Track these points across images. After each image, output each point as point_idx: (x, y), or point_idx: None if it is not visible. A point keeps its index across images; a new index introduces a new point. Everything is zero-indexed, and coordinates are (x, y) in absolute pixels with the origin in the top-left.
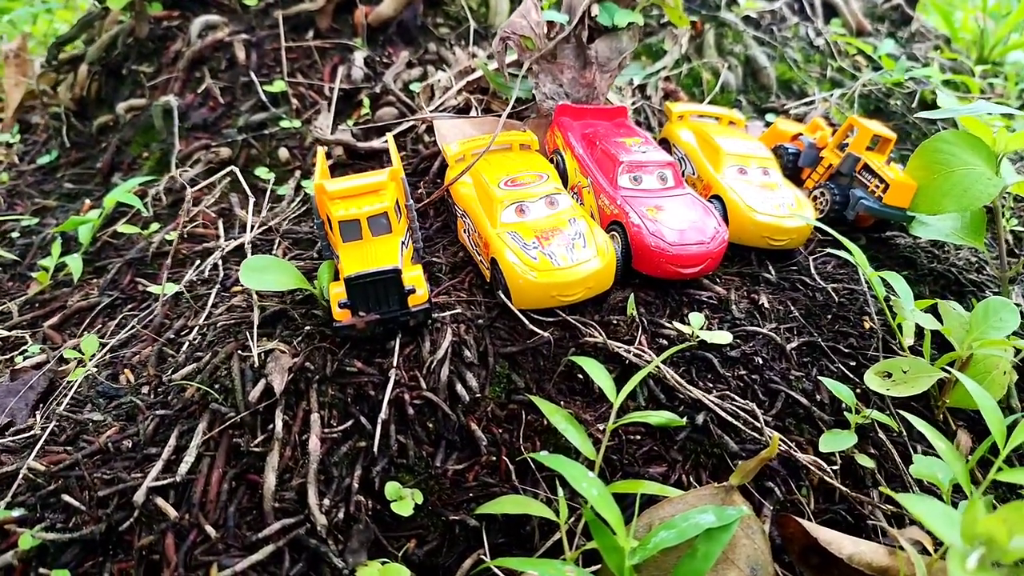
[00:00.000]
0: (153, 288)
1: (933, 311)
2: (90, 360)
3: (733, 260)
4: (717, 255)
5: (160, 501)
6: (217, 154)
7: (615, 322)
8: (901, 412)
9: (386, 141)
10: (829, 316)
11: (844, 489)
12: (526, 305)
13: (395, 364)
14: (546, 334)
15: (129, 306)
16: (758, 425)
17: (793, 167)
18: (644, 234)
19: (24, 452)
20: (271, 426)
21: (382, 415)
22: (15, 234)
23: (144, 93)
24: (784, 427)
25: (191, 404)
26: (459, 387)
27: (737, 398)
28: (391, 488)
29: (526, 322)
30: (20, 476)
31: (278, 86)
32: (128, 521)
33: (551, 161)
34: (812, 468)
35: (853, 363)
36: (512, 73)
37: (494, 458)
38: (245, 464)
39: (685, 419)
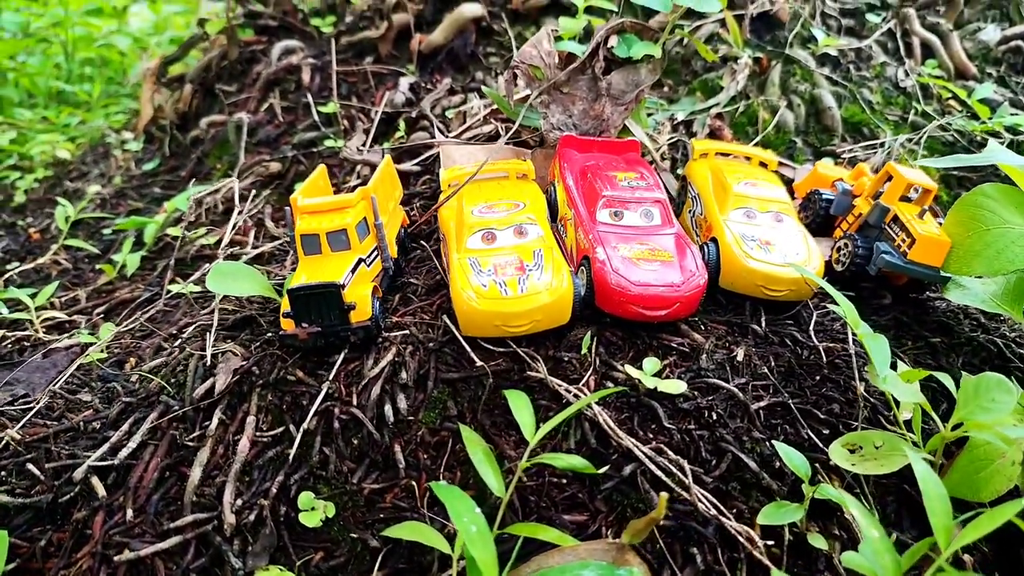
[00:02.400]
0: (172, 286)
1: None
2: (103, 345)
3: (726, 308)
4: (689, 299)
5: (95, 480)
6: (267, 168)
7: (567, 359)
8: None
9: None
10: (817, 377)
11: (770, 565)
12: (473, 332)
13: (331, 377)
14: (480, 363)
15: (163, 300)
16: (687, 483)
17: (825, 215)
18: (607, 271)
19: (18, 421)
20: (208, 423)
21: (305, 424)
22: (107, 230)
23: (224, 110)
24: (726, 491)
25: (151, 395)
26: (388, 407)
27: (671, 453)
28: (304, 498)
29: (468, 349)
30: (2, 442)
31: (331, 107)
32: (69, 495)
33: (546, 192)
34: (742, 540)
35: (827, 431)
36: (521, 102)
37: (413, 482)
38: (181, 456)
39: (606, 468)
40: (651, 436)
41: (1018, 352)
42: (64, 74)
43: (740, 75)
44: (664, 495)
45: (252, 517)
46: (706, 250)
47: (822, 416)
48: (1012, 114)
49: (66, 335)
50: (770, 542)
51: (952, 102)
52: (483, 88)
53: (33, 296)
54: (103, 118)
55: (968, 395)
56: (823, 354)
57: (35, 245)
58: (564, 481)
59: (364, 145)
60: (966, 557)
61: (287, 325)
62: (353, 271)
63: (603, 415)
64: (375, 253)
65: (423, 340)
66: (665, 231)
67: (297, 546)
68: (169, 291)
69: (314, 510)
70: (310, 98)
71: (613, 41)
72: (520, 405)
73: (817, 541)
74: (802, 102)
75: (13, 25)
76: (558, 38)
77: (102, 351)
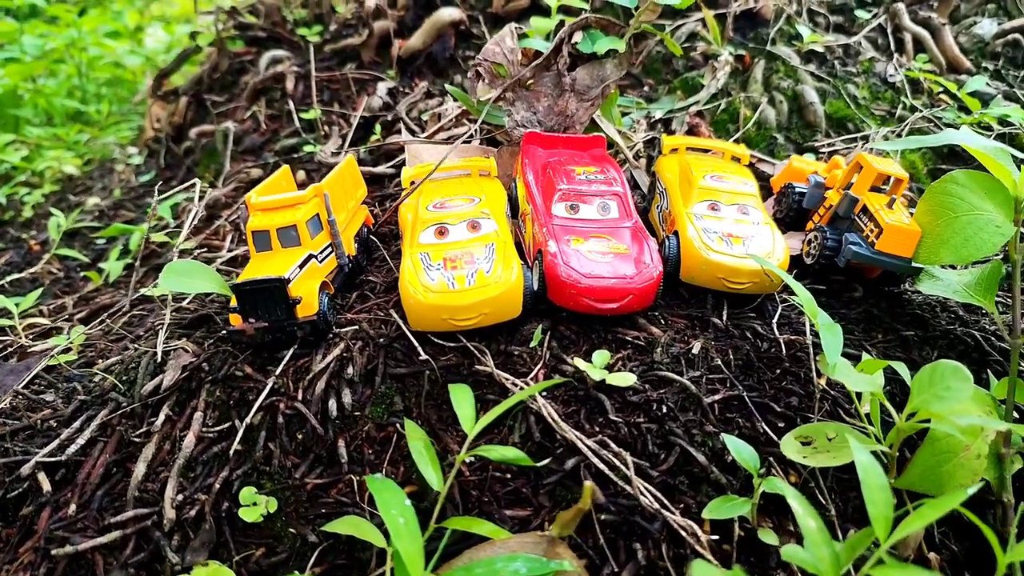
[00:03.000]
0: (144, 290)
1: None
2: (71, 347)
3: (688, 302)
4: (642, 292)
5: (42, 476)
6: (248, 175)
7: (517, 353)
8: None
9: (354, 156)
10: (777, 371)
11: (714, 562)
12: (422, 327)
13: (277, 372)
14: (426, 357)
15: (140, 306)
16: (629, 476)
17: (798, 208)
18: (558, 264)
19: None
20: (155, 419)
21: (248, 419)
22: (101, 240)
23: (212, 120)
24: (673, 486)
25: (105, 393)
26: (332, 402)
27: (614, 446)
28: (245, 493)
29: (416, 344)
30: None
31: (312, 114)
32: (18, 491)
33: (509, 189)
34: (686, 534)
35: (784, 425)
36: (484, 100)
37: (356, 478)
38: (128, 452)
39: (548, 461)
40: (597, 429)
41: (998, 346)
42: (79, 94)
43: (720, 72)
44: (589, 484)
45: (193, 513)
46: (667, 243)
47: (779, 409)
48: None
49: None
50: (715, 537)
51: (943, 96)
52: (447, 87)
53: (18, 304)
54: (113, 135)
55: (923, 383)
56: (784, 347)
57: (35, 256)
58: (508, 476)
59: (341, 149)
60: (932, 556)
61: (235, 320)
62: (302, 266)
63: (548, 408)
64: (329, 250)
65: (373, 336)
66: (622, 224)
67: (239, 542)
68: (139, 294)
69: (255, 505)
70: (292, 105)
71: (578, 37)
72: (461, 398)
73: (768, 537)
74: (785, 98)
75: (35, 49)
76: (522, 35)
77: (72, 353)
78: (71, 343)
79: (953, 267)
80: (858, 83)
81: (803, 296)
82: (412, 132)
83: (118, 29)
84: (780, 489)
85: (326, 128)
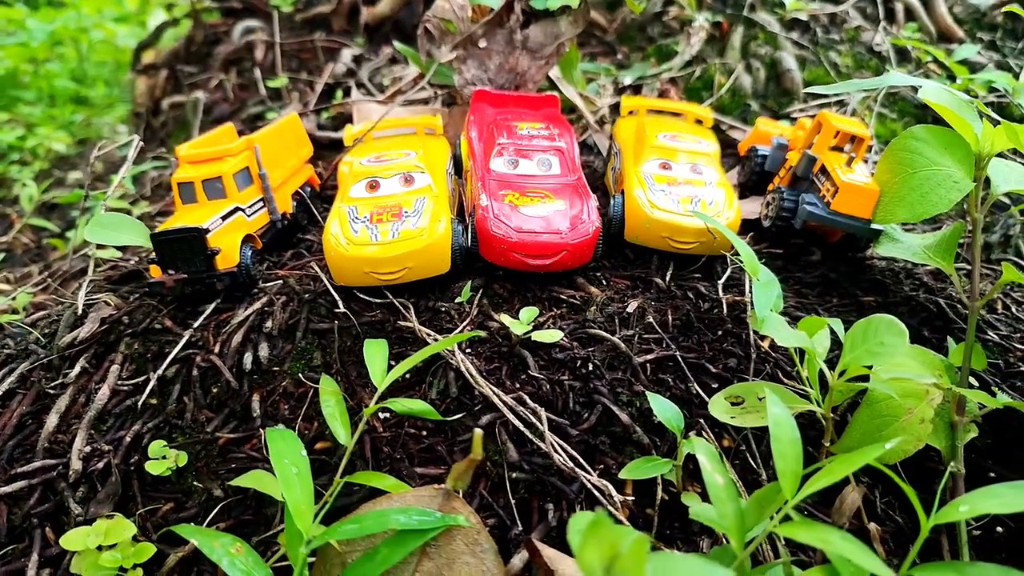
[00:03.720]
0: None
1: None
2: (18, 307)
3: (634, 263)
4: (577, 248)
5: None
6: None
7: (444, 310)
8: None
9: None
10: (719, 332)
11: (623, 520)
12: (345, 281)
13: (196, 326)
14: (345, 311)
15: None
16: (543, 432)
17: (761, 171)
18: (488, 219)
19: None
20: (70, 371)
21: (160, 372)
22: (75, 212)
23: (185, 91)
24: (594, 445)
25: (29, 345)
26: (248, 356)
27: (530, 402)
28: (155, 447)
29: (337, 299)
30: None
31: (280, 82)
32: None
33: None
34: (601, 495)
35: (718, 385)
36: (432, 57)
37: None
38: (45, 404)
39: (460, 415)
40: (518, 386)
41: (963, 313)
42: (80, 76)
43: (695, 39)
44: (478, 433)
45: (101, 465)
46: (612, 203)
47: (714, 371)
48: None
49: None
50: (631, 498)
51: (932, 65)
52: (395, 44)
53: None
54: (110, 115)
55: (856, 339)
56: (726, 308)
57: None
58: (424, 433)
59: (304, 113)
60: (872, 526)
61: (155, 272)
62: (225, 218)
63: (466, 363)
64: (259, 204)
65: (299, 291)
66: (562, 180)
67: (148, 496)
68: (80, 254)
69: (164, 459)
70: (258, 74)
71: None
72: (374, 353)
73: (691, 500)
74: (762, 65)
75: (42, 33)
76: None
77: (21, 314)
78: (15, 304)
79: (914, 228)
80: (841, 51)
81: (744, 252)
82: (371, 95)
83: (124, 15)
84: (691, 445)
85: (293, 95)
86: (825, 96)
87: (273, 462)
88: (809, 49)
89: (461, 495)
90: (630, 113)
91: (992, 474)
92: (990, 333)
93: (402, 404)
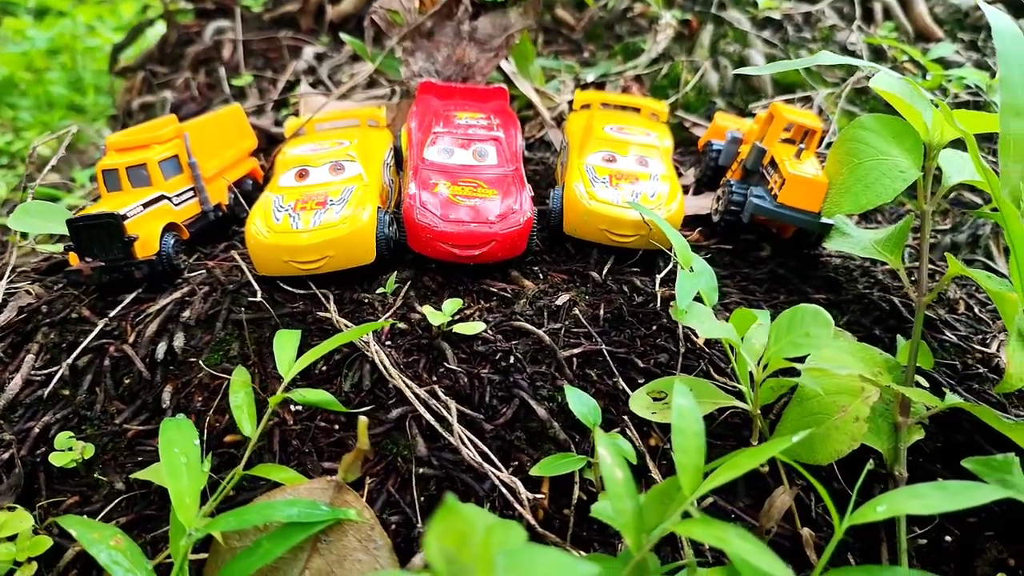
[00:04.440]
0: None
1: None
2: None
3: (573, 257)
4: (507, 239)
5: None
6: None
7: (367, 301)
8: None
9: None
10: (653, 327)
11: (530, 520)
12: (267, 271)
13: (112, 315)
14: (262, 299)
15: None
16: (452, 427)
17: (716, 166)
18: (414, 207)
19: None
20: None
21: (69, 361)
22: None
23: (155, 91)
24: (509, 441)
25: None
26: (162, 346)
27: (442, 395)
28: (61, 438)
29: (256, 288)
30: None
31: (244, 80)
32: None
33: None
34: (507, 492)
35: (643, 380)
36: (379, 50)
37: None
38: None
39: (368, 407)
40: (435, 379)
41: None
42: (76, 84)
43: (661, 36)
44: (363, 421)
45: (6, 456)
46: (552, 195)
47: (642, 366)
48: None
49: None
50: (540, 496)
51: (908, 65)
52: (344, 36)
53: None
54: (102, 121)
55: (781, 330)
56: (661, 302)
57: None
58: (336, 427)
59: (266, 109)
60: (805, 531)
61: (73, 260)
62: (147, 206)
63: (381, 355)
64: (189, 194)
65: (223, 282)
66: (498, 170)
67: (54, 489)
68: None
69: (70, 451)
70: (223, 72)
71: None
72: (283, 343)
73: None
74: (730, 63)
75: (44, 42)
76: None
77: None
78: None
79: (881, 224)
80: (813, 49)
81: (677, 243)
82: (328, 90)
83: (119, 24)
84: (597, 440)
85: (255, 93)
86: (792, 92)
87: (161, 451)
88: (779, 47)
89: (366, 490)
90: (584, 107)
91: (940, 479)
92: (947, 333)
93: (305, 395)
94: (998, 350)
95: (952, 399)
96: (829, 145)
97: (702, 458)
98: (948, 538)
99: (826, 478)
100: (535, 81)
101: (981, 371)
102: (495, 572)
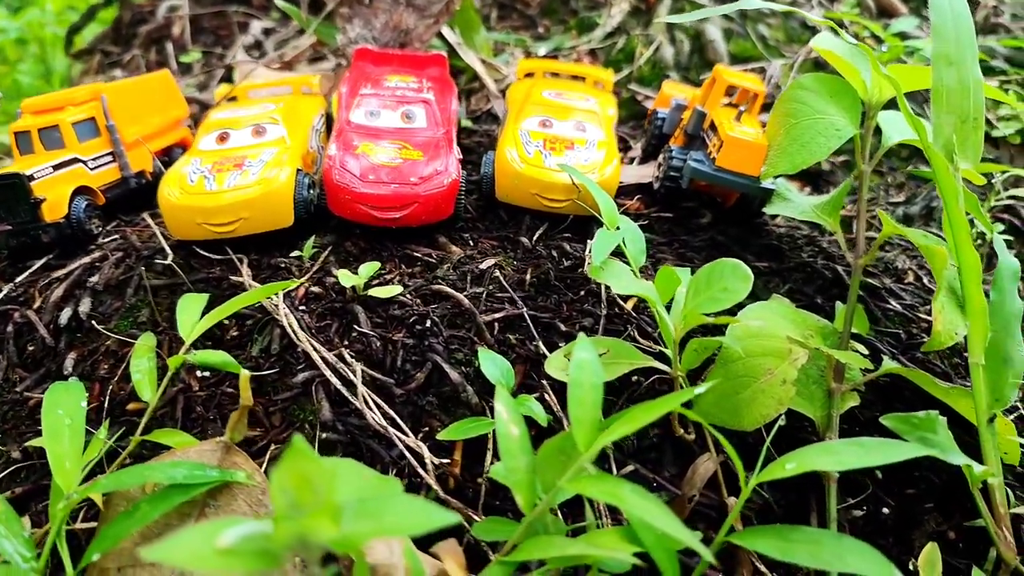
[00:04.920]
0: None
1: None
2: None
3: (507, 224)
4: (430, 200)
5: None
6: None
7: (284, 265)
8: None
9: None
10: (581, 292)
11: (434, 486)
12: (182, 234)
13: (18, 280)
14: (171, 263)
15: None
16: (357, 390)
17: (660, 135)
18: (333, 168)
19: None
20: None
21: None
22: None
23: (105, 71)
24: (420, 406)
25: None
26: (66, 312)
27: (349, 358)
28: None
29: (167, 250)
30: None
31: (191, 56)
32: None
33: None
34: (412, 457)
35: (564, 344)
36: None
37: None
38: None
39: (273, 370)
40: (347, 344)
41: (866, 282)
42: (45, 73)
43: (616, 9)
44: (245, 374)
45: None
46: (484, 160)
47: (566, 330)
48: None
49: None
50: (448, 461)
51: (869, 40)
52: (277, 2)
53: None
54: None
55: (699, 285)
56: (588, 267)
57: None
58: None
59: (210, 85)
60: (731, 500)
61: None
62: (57, 168)
63: (291, 318)
64: (108, 158)
65: (139, 247)
66: (426, 133)
67: None
68: None
69: None
70: (171, 49)
71: None
72: (187, 306)
73: None
74: (686, 37)
75: (15, 31)
76: None
77: None
78: None
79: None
80: (771, 24)
81: (604, 204)
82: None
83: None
84: (496, 398)
85: (202, 68)
86: (746, 63)
87: (44, 414)
88: (737, 22)
89: (267, 457)
90: (529, 76)
91: None
92: (893, 303)
93: (202, 356)
94: None
95: (889, 365)
96: None
97: (598, 412)
98: (885, 510)
99: (753, 446)
100: (481, 52)
101: (925, 340)
102: (339, 518)
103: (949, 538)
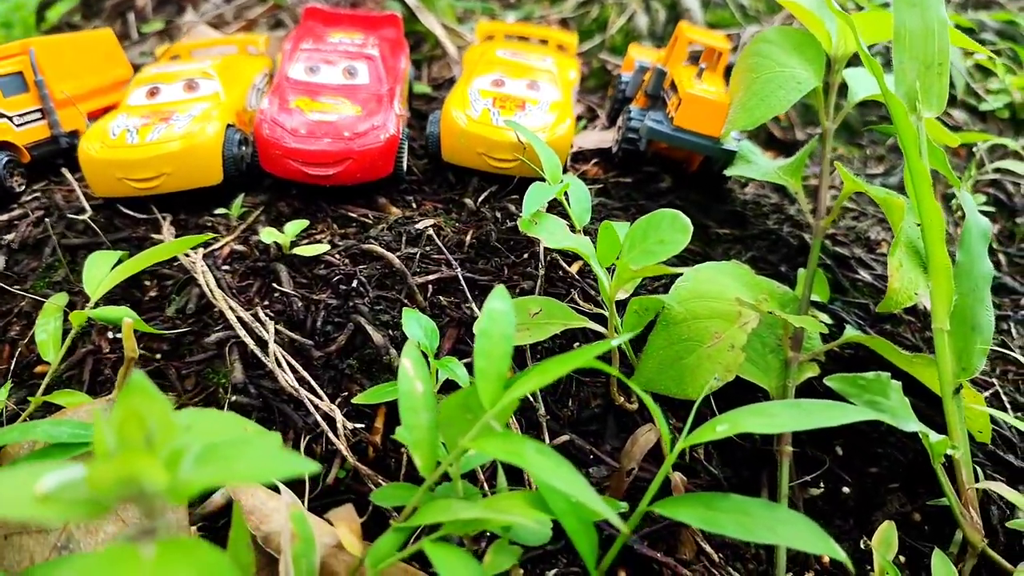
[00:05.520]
0: None
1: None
2: None
3: (454, 187)
4: (365, 156)
5: None
6: None
7: (210, 224)
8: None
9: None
10: (525, 255)
11: (346, 454)
12: (102, 191)
13: None
14: (88, 219)
15: None
16: (270, 352)
17: (623, 98)
18: (264, 122)
19: None
20: None
21: None
22: None
23: None
24: (340, 369)
25: None
26: None
27: (264, 318)
28: None
29: (86, 206)
30: None
31: (153, 26)
32: None
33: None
34: (323, 422)
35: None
36: None
37: None
38: None
39: (186, 331)
40: (267, 304)
41: (832, 250)
42: None
43: None
44: (127, 322)
45: None
46: (430, 119)
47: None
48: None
49: None
50: (360, 425)
51: (852, 9)
52: None
53: None
54: None
55: (635, 238)
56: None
57: None
58: (158, 357)
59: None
60: (676, 476)
61: None
62: None
63: (208, 276)
64: (36, 115)
65: (63, 207)
66: (368, 88)
67: None
68: None
69: None
70: (132, 19)
71: None
72: (95, 262)
73: None
74: (662, 6)
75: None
76: None
77: None
78: None
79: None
80: None
81: (546, 159)
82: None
83: None
84: (407, 351)
85: (159, 37)
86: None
87: None
88: None
89: None
90: (488, 38)
91: None
92: (863, 272)
93: (103, 312)
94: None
95: (851, 333)
96: None
97: (506, 365)
98: (845, 489)
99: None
100: (443, 16)
101: (896, 312)
102: (176, 462)
103: (914, 520)
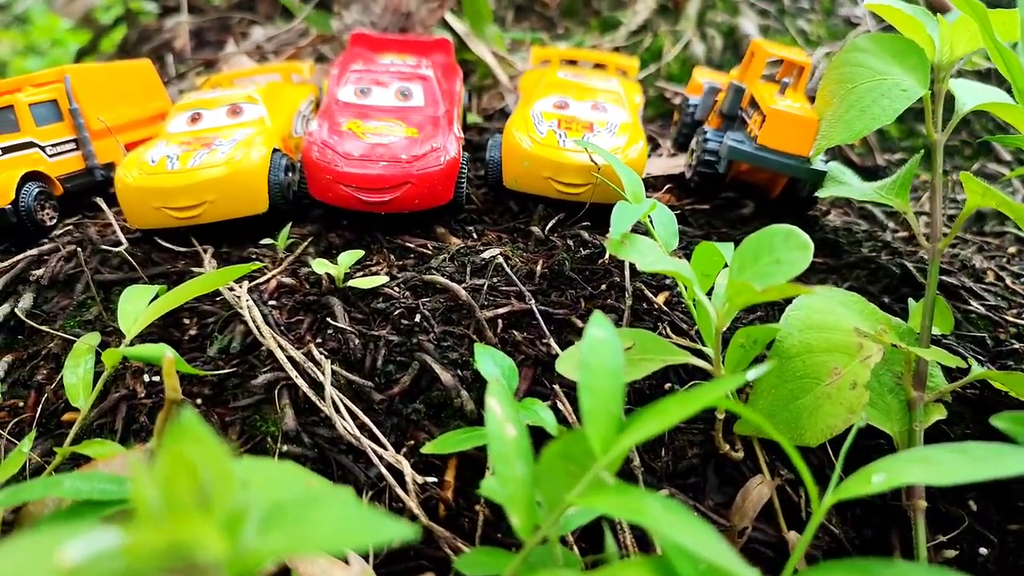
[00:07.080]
0: None
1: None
2: None
3: (517, 215)
4: (423, 180)
5: None
6: None
7: (256, 257)
8: None
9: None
10: (603, 286)
11: (417, 512)
12: (140, 222)
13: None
14: (122, 249)
15: None
16: (326, 392)
17: (693, 123)
18: (313, 145)
19: None
20: None
21: None
22: None
23: None
24: (406, 415)
25: None
26: (2, 310)
27: (320, 358)
28: None
29: (121, 238)
30: None
31: (191, 65)
32: None
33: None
34: (390, 475)
35: (575, 339)
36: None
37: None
38: None
39: (233, 368)
40: (320, 341)
41: (942, 280)
42: None
43: (641, 5)
44: (169, 358)
45: None
46: (490, 145)
47: (581, 326)
48: None
49: None
50: (431, 479)
51: None
52: None
53: None
54: None
55: (746, 259)
56: (611, 257)
57: None
58: (198, 401)
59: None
60: (792, 535)
61: None
62: (7, 151)
63: (255, 312)
64: (70, 146)
65: (96, 241)
66: (424, 111)
67: None
68: None
69: None
70: (170, 59)
71: None
72: (131, 297)
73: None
74: (718, 33)
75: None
76: None
77: None
78: None
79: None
80: (812, 19)
81: (628, 180)
82: (264, 59)
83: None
84: (492, 391)
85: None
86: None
87: None
88: (774, 16)
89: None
90: (543, 63)
91: None
92: (974, 304)
93: (139, 351)
94: None
95: (980, 371)
96: None
97: (619, 403)
98: (983, 550)
99: (818, 468)
100: (493, 44)
101: (1017, 347)
102: (238, 526)
103: None
